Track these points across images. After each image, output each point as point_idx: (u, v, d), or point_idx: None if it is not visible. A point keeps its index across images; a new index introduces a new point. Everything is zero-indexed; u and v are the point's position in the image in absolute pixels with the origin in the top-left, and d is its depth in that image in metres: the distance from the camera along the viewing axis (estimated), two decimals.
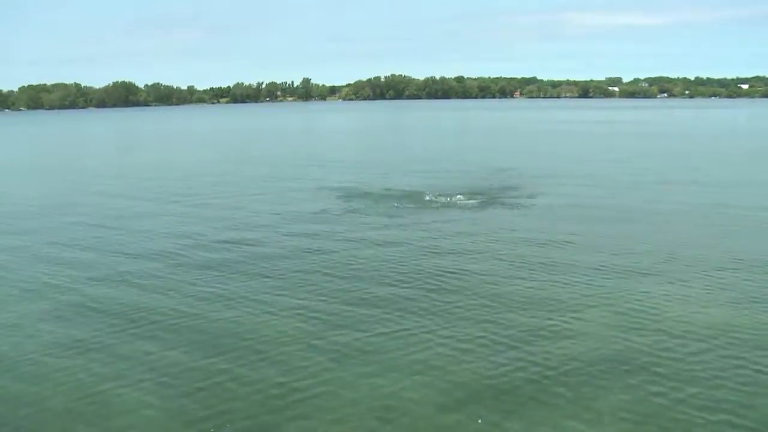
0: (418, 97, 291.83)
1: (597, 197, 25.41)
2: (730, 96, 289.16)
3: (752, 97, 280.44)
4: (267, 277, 14.72)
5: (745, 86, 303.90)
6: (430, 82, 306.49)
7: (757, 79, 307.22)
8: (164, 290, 13.88)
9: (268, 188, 29.20)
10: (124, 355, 10.50)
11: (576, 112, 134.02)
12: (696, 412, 8.34)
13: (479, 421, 8.28)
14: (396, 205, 23.54)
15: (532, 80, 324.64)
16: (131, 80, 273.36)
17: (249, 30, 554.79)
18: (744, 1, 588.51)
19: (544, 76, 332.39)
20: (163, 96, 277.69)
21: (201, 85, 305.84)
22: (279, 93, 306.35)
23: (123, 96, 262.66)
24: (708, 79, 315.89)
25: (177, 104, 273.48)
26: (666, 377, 9.27)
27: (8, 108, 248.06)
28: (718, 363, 9.69)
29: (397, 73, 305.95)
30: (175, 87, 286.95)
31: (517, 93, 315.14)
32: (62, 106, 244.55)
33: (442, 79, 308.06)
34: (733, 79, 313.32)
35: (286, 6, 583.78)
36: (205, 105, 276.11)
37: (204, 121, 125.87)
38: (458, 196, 24.71)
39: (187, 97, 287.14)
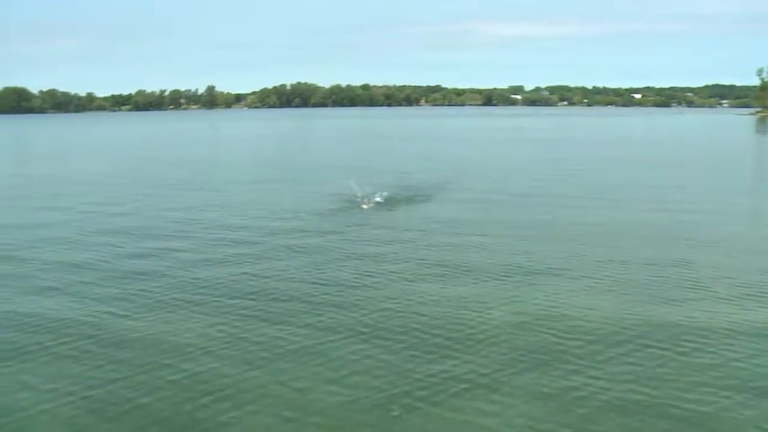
0: (325, 105, 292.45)
1: (502, 197, 26.38)
2: (625, 104, 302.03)
3: (644, 105, 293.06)
4: (182, 283, 14.44)
5: (638, 96, 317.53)
6: (336, 90, 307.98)
7: (648, 89, 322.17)
8: (77, 299, 13.43)
9: (182, 196, 28.84)
10: (44, 368, 10.08)
11: (480, 120, 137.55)
12: (597, 394, 8.74)
13: (395, 414, 8.40)
14: (312, 210, 23.56)
15: (437, 88, 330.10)
16: (24, 86, 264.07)
17: (150, 36, 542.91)
18: (631, 16, 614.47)
19: (448, 84, 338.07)
20: (60, 103, 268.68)
21: (101, 92, 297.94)
22: (183, 100, 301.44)
23: (15, 102, 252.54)
24: (604, 88, 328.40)
25: (75, 111, 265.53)
26: (568, 369, 9.63)
27: None
28: (612, 353, 10.16)
29: (302, 81, 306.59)
30: (72, 93, 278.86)
31: (423, 101, 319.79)
32: None
33: (348, 87, 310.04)
34: (627, 89, 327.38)
35: (187, 12, 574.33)
36: (106, 113, 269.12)
37: (103, 130, 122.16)
38: (371, 200, 24.62)
39: (86, 104, 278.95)
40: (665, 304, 12.45)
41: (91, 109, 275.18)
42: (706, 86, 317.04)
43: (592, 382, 9.14)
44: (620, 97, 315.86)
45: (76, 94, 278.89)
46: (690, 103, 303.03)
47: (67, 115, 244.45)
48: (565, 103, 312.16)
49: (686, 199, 26.13)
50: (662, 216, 22.09)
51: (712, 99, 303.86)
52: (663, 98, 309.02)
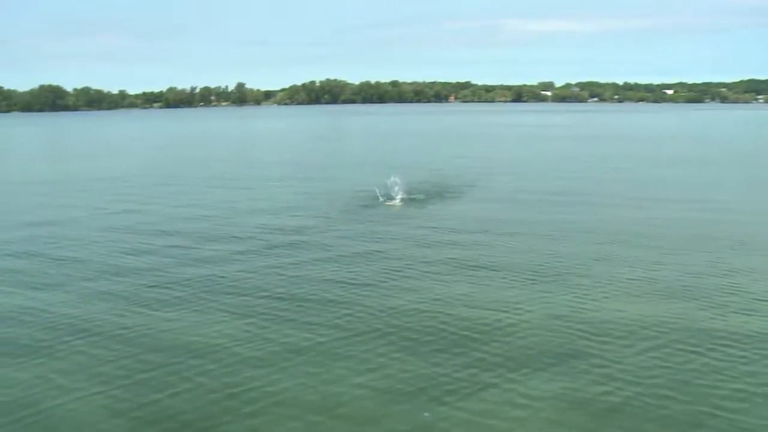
0: (354, 102, 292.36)
1: (534, 196, 26.06)
2: (656, 101, 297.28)
3: (676, 101, 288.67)
4: (209, 281, 14.59)
5: (670, 92, 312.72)
6: (366, 86, 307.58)
7: (680, 84, 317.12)
8: (105, 297, 13.59)
9: (211, 193, 29.10)
10: (68, 362, 10.25)
11: (511, 116, 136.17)
12: (623, 395, 8.70)
13: (426, 414, 8.44)
14: (338, 207, 23.66)
15: (467, 84, 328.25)
16: (59, 84, 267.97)
17: (181, 34, 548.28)
18: (665, 11, 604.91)
19: (478, 80, 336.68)
20: (93, 100, 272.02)
21: (133, 90, 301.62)
22: (213, 98, 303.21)
23: (50, 100, 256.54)
24: (636, 84, 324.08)
25: (108, 109, 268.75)
26: (595, 368, 9.62)
27: None
28: (642, 354, 10.10)
29: (332, 78, 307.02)
30: (105, 91, 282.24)
31: (452, 97, 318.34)
32: None
33: (378, 83, 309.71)
34: (658, 85, 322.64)
35: (217, 10, 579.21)
36: (138, 110, 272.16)
37: (138, 126, 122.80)
38: (400, 197, 24.82)
39: (119, 101, 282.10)
40: (700, 307, 12.27)
41: (123, 107, 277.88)
42: (741, 81, 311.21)
43: (622, 387, 9.05)
44: (652, 93, 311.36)
45: (108, 91, 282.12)
46: (724, 99, 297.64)
47: (100, 112, 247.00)
48: (596, 99, 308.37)
49: (722, 198, 25.74)
50: (697, 215, 21.82)
51: (747, 94, 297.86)
52: (696, 94, 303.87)
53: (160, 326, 11.77)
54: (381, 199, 24.71)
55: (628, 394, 8.83)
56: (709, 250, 16.67)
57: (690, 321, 11.51)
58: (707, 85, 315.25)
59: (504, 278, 14.36)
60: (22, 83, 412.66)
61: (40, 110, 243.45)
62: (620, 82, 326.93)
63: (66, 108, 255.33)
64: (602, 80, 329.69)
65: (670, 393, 8.82)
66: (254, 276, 14.85)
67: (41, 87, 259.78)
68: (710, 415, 8.29)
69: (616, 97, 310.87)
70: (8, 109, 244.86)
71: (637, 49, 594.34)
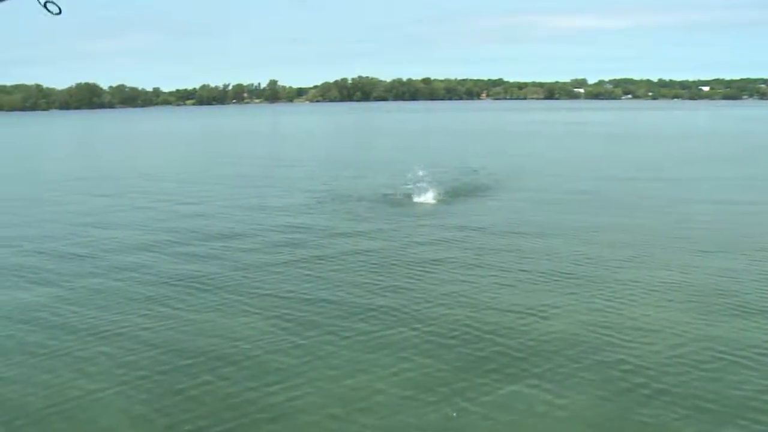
0: (385, 99, 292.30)
1: (566, 196, 25.81)
2: (692, 98, 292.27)
3: (712, 98, 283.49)
4: (236, 280, 14.60)
5: (705, 88, 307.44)
6: (397, 83, 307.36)
7: (717, 81, 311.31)
8: (134, 296, 13.65)
9: (238, 192, 29.24)
10: (93, 362, 10.29)
11: (543, 114, 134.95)
12: (660, 395, 8.49)
13: (454, 414, 8.38)
14: (368, 205, 23.72)
15: (499, 82, 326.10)
16: (94, 82, 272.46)
17: (213, 32, 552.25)
18: (701, 6, 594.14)
19: (510, 77, 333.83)
20: (128, 98, 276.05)
21: (166, 87, 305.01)
22: (246, 95, 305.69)
23: (87, 98, 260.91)
24: (670, 81, 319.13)
25: (142, 106, 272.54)
26: (635, 369, 9.46)
27: None
28: (687, 358, 9.86)
29: (364, 75, 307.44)
30: (140, 89, 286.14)
31: (484, 94, 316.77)
32: (23, 108, 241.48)
33: (409, 80, 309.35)
34: (694, 81, 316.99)
35: (248, 8, 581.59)
36: (171, 107, 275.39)
37: (174, 123, 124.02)
38: (430, 195, 24.79)
39: (153, 98, 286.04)
40: (743, 317, 11.83)
41: (156, 104, 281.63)
42: None
43: (654, 396, 8.80)
44: (687, 90, 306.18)
45: (143, 89, 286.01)
46: (763, 95, 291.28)
47: (134, 109, 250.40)
48: (629, 96, 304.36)
49: (762, 199, 25.13)
50: (736, 217, 21.26)
51: None
52: (733, 90, 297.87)
53: (181, 327, 11.78)
54: (410, 198, 24.62)
55: (659, 403, 8.60)
56: (748, 253, 16.17)
57: (730, 330, 11.17)
58: (745, 81, 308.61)
59: (534, 281, 14.13)
60: (60, 81, 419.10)
61: (77, 108, 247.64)
62: (654, 79, 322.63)
63: (102, 105, 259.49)
64: (636, 77, 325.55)
65: (709, 406, 8.56)
66: (278, 276, 14.79)
67: (78, 85, 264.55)
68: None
69: (650, 94, 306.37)
70: (47, 107, 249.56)
71: (672, 45, 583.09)
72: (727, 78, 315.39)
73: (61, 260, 16.86)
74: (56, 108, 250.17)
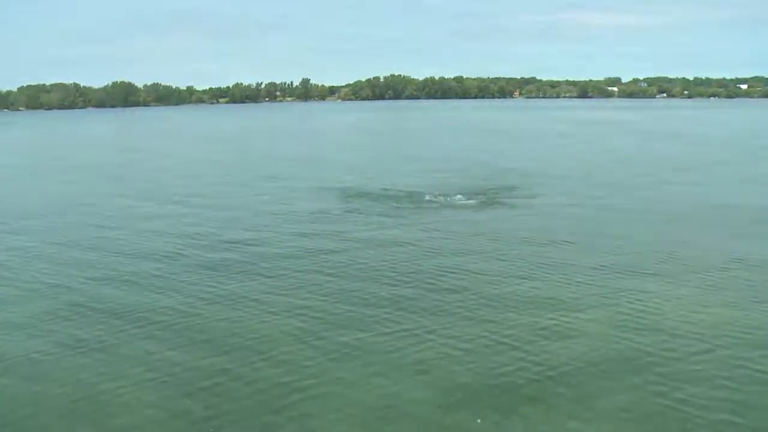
0: (417, 98, 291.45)
1: (597, 197, 25.52)
2: (729, 96, 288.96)
3: (751, 97, 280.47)
4: (268, 276, 14.82)
5: (744, 86, 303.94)
6: (429, 82, 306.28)
7: (756, 79, 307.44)
8: (165, 290, 13.95)
9: (270, 188, 29.32)
10: (125, 355, 10.57)
11: (576, 112, 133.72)
12: (696, 411, 8.39)
13: (478, 420, 8.34)
14: (396, 205, 23.69)
15: (531, 80, 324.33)
16: (130, 80, 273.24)
17: (246, 30, 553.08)
18: (741, 1, 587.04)
19: (543, 76, 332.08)
20: (163, 96, 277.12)
21: (200, 86, 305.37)
22: (278, 93, 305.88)
23: (122, 96, 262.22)
24: (707, 79, 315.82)
25: (176, 104, 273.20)
26: (666, 377, 9.32)
27: (7, 108, 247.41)
28: (719, 362, 9.74)
29: (396, 73, 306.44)
30: (174, 87, 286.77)
31: (517, 93, 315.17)
32: (61, 107, 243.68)
33: (441, 79, 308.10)
34: (732, 80, 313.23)
35: (282, 7, 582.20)
36: (205, 105, 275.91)
37: (206, 122, 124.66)
38: (458, 196, 24.84)
39: (186, 97, 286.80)
40: None
41: (190, 102, 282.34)
42: None
43: (690, 393, 8.70)
44: (724, 89, 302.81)
45: (177, 87, 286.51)
46: None
47: (168, 107, 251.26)
48: (664, 95, 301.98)
49: None
50: None
51: None
52: None
53: (216, 323, 11.96)
54: (440, 198, 24.69)
55: (699, 405, 8.50)
56: None
57: None
58: None
59: (567, 282, 14.00)
60: (96, 80, 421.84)
61: (113, 106, 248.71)
62: (690, 77, 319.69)
63: (137, 104, 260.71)
64: (671, 75, 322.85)
65: (744, 406, 8.48)
66: (311, 275, 14.91)
67: (114, 84, 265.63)
68: None
69: (685, 92, 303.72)
70: (84, 106, 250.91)
71: (709, 42, 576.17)
72: (767, 76, 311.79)
73: (89, 254, 17.11)
74: (92, 106, 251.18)
